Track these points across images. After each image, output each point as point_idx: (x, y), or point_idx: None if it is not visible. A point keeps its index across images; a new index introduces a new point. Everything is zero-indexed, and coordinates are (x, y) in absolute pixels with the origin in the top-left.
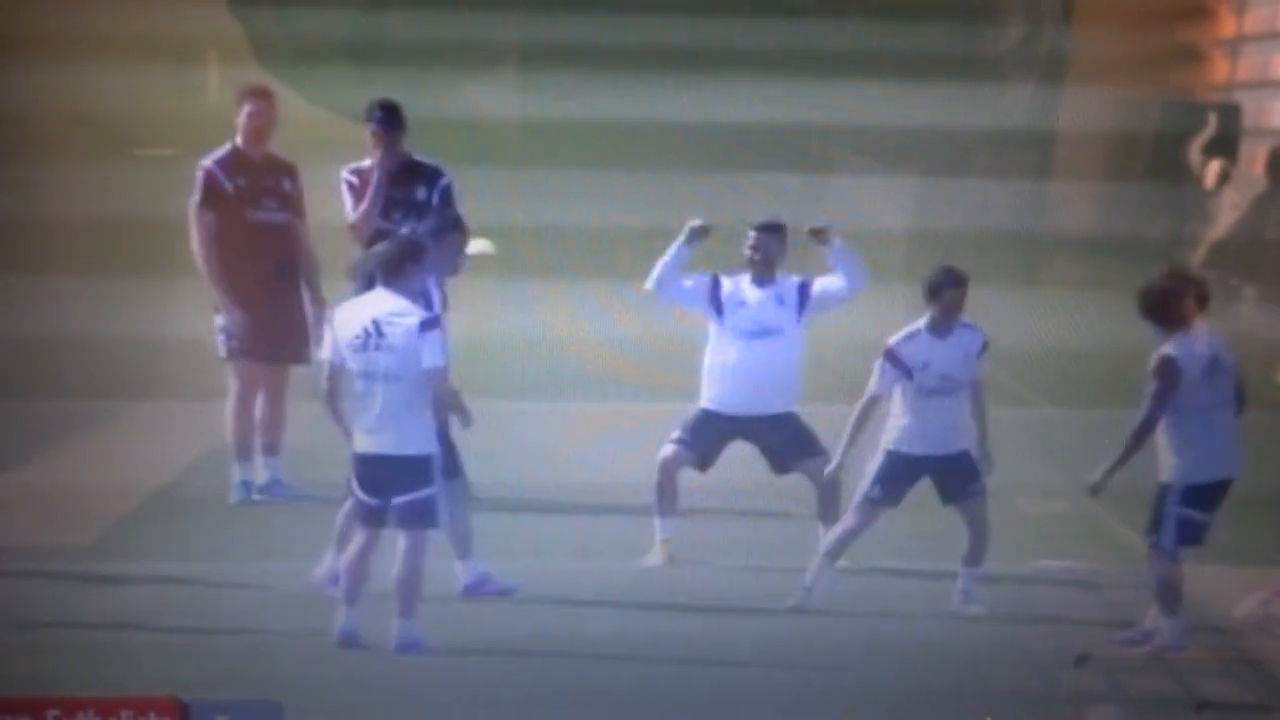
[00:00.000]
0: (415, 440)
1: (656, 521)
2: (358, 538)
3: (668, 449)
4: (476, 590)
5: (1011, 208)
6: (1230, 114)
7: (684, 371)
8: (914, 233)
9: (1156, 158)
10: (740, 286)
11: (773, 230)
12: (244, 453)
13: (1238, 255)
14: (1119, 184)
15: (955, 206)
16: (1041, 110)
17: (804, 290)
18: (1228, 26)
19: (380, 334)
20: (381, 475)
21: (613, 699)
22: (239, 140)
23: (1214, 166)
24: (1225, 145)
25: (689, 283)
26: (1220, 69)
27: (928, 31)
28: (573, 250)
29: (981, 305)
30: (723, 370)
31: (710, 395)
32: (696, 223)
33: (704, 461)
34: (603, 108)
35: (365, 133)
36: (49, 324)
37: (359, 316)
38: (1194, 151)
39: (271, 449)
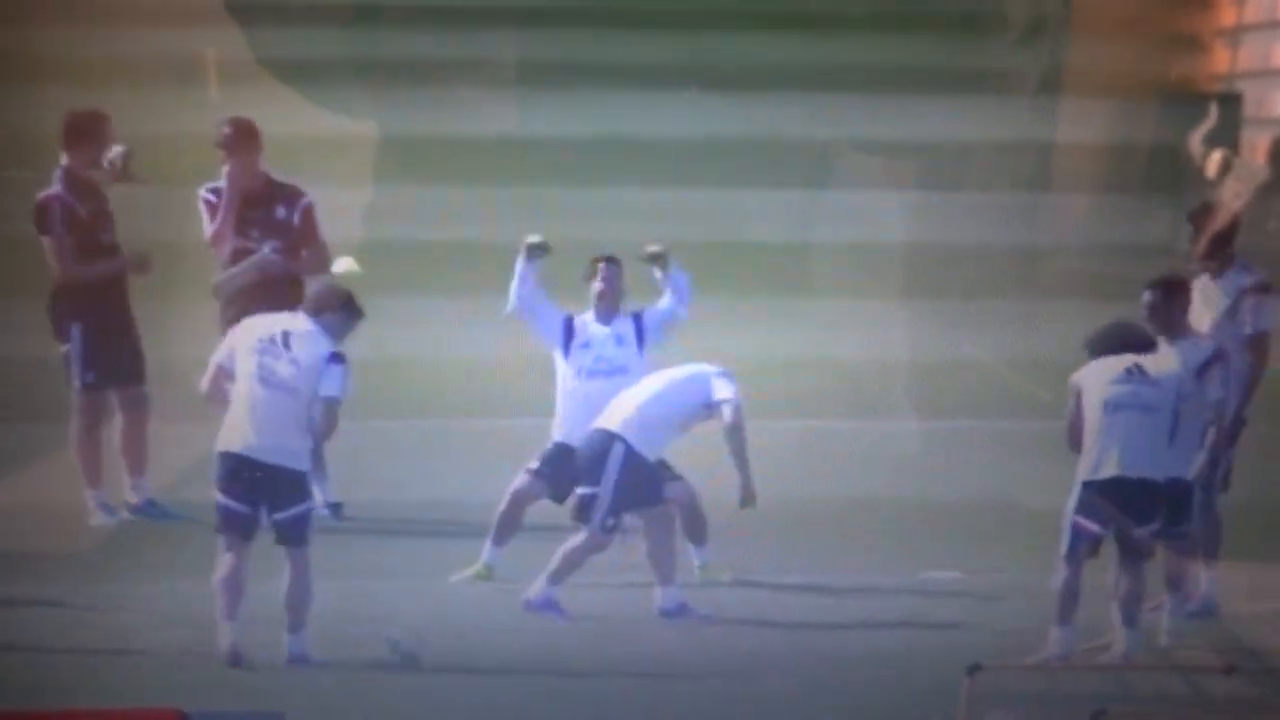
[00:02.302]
0: (298, 455)
1: (487, 544)
2: (230, 553)
3: (521, 479)
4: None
5: (1014, 215)
6: (1231, 103)
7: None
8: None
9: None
10: (586, 327)
11: (617, 263)
12: (96, 477)
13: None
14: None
15: (955, 214)
16: (1040, 106)
17: (639, 323)
18: (1228, 16)
19: (288, 346)
20: (258, 482)
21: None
22: (70, 165)
23: (1216, 156)
24: (1226, 135)
25: (547, 312)
26: (1221, 58)
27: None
28: (441, 267)
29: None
30: (572, 409)
31: (562, 431)
32: (533, 239)
33: (560, 494)
34: (472, 123)
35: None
36: None
37: (269, 325)
38: (1195, 141)
39: (140, 470)
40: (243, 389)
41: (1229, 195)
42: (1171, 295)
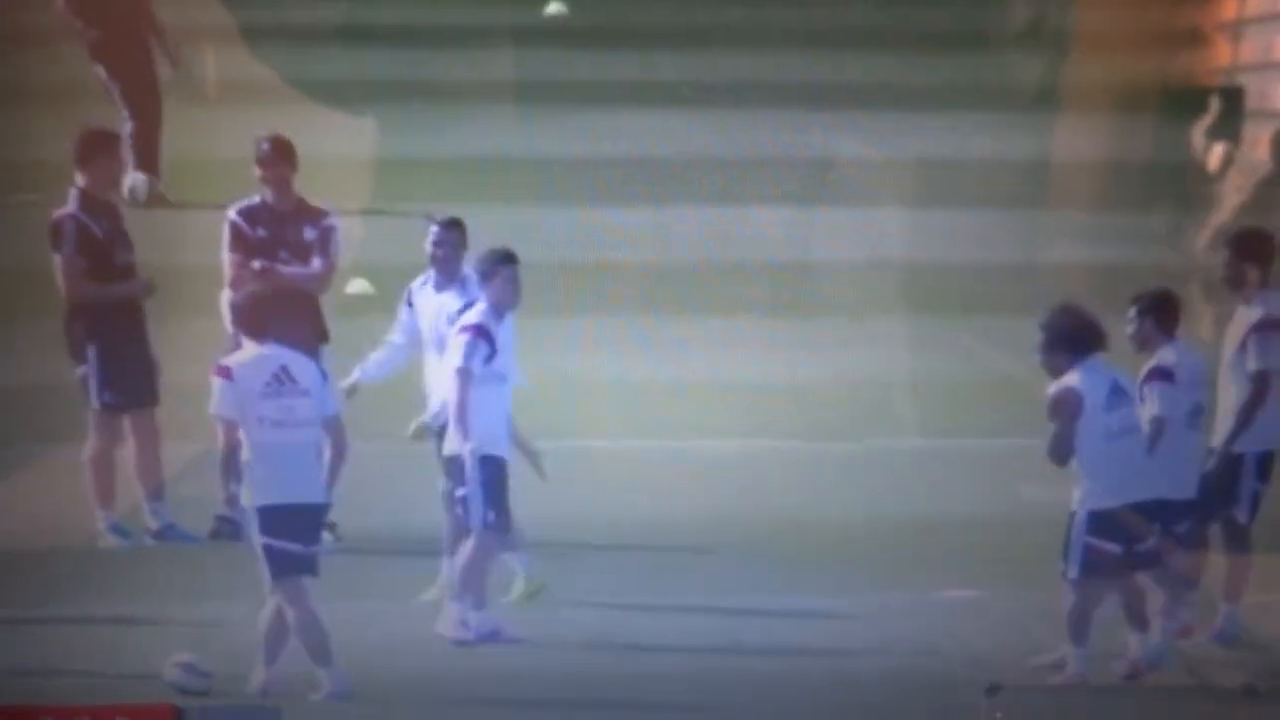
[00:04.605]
0: (323, 487)
1: None
2: (296, 607)
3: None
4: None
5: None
6: (1233, 97)
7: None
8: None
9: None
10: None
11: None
12: (108, 499)
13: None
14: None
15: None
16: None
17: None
18: (1230, 9)
19: (294, 379)
20: (309, 522)
21: None
22: (85, 185)
23: (1218, 150)
24: (1228, 128)
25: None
26: (1223, 51)
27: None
28: None
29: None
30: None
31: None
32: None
33: None
34: (467, 144)
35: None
36: None
37: (261, 366)
38: (1197, 135)
39: (158, 494)
40: (264, 438)
41: (1231, 189)
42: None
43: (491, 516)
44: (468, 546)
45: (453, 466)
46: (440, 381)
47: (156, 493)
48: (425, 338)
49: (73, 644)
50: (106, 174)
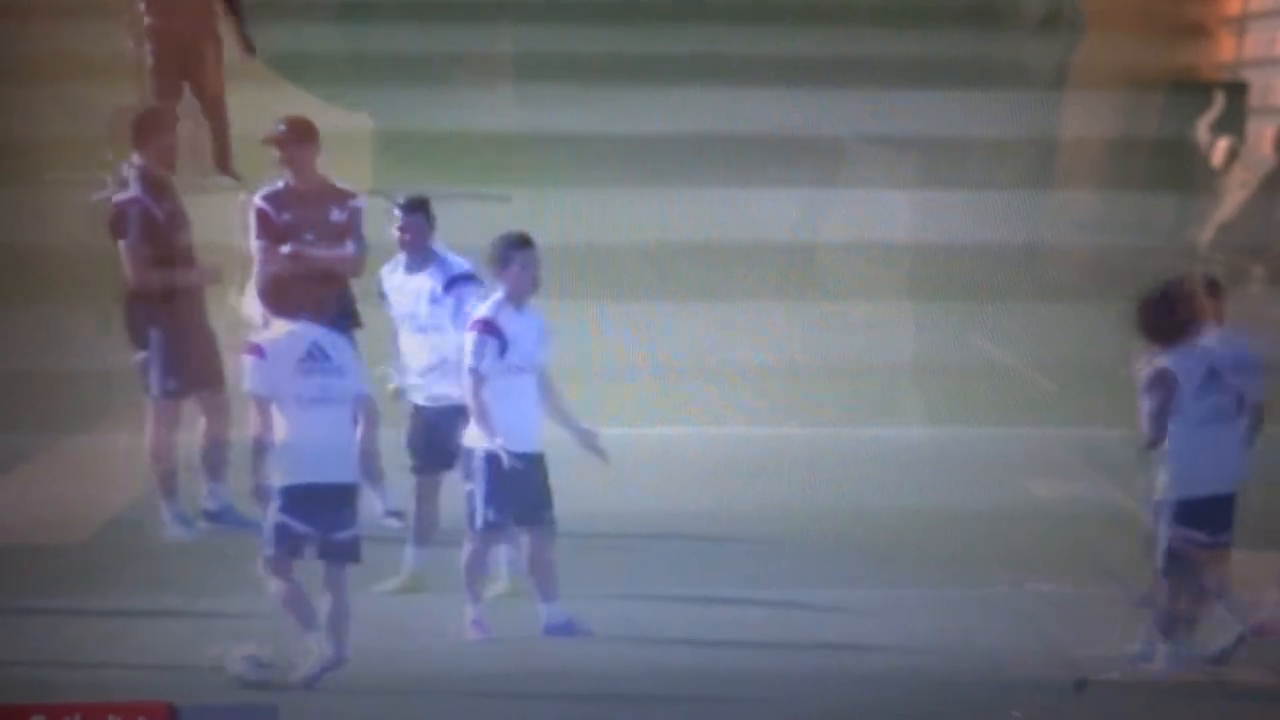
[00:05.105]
0: (354, 468)
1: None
2: (285, 580)
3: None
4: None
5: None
6: (1237, 92)
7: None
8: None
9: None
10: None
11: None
12: (173, 489)
13: (1246, 234)
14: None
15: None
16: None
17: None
18: (1234, 4)
19: (327, 356)
20: (333, 504)
21: None
22: (144, 165)
23: (1222, 145)
24: (1233, 123)
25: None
26: (1227, 46)
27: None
28: None
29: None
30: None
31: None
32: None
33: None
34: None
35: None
36: None
37: (295, 341)
38: (1202, 130)
39: (220, 475)
40: (299, 415)
41: (1235, 184)
42: None
43: (491, 515)
44: (467, 544)
45: (466, 460)
46: (419, 361)
47: (219, 474)
48: (399, 319)
49: (109, 637)
50: (166, 151)
